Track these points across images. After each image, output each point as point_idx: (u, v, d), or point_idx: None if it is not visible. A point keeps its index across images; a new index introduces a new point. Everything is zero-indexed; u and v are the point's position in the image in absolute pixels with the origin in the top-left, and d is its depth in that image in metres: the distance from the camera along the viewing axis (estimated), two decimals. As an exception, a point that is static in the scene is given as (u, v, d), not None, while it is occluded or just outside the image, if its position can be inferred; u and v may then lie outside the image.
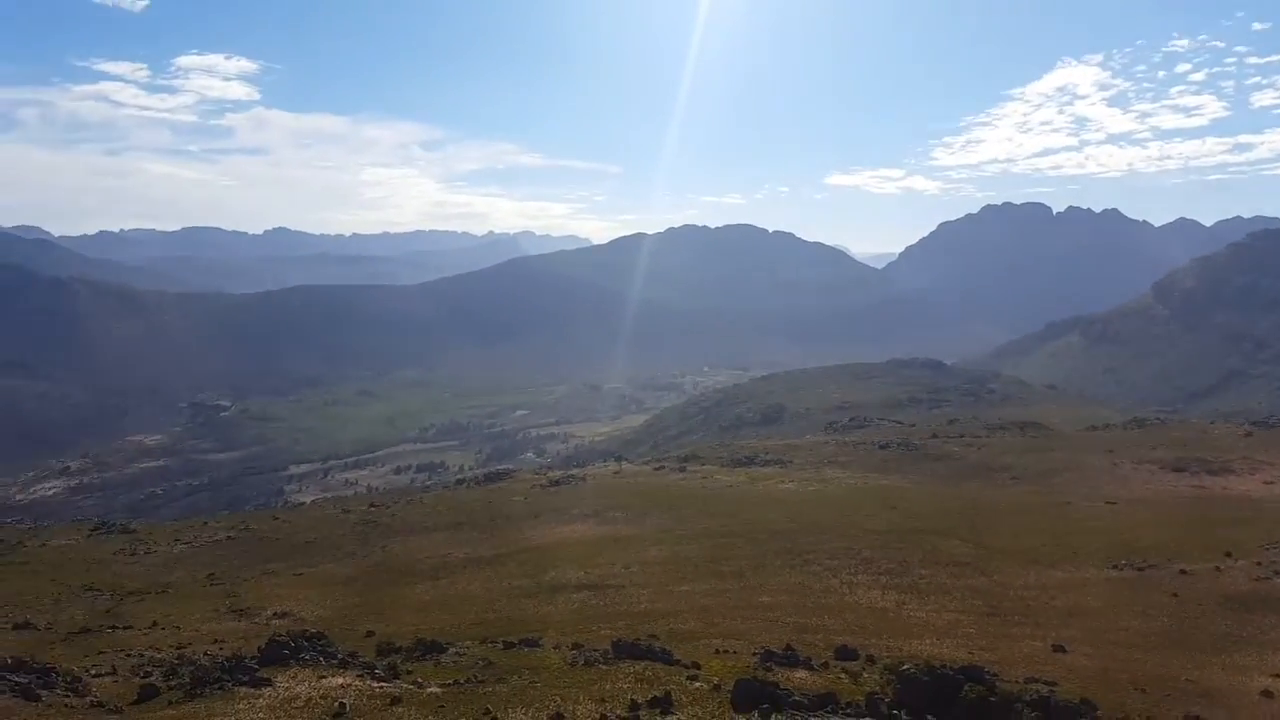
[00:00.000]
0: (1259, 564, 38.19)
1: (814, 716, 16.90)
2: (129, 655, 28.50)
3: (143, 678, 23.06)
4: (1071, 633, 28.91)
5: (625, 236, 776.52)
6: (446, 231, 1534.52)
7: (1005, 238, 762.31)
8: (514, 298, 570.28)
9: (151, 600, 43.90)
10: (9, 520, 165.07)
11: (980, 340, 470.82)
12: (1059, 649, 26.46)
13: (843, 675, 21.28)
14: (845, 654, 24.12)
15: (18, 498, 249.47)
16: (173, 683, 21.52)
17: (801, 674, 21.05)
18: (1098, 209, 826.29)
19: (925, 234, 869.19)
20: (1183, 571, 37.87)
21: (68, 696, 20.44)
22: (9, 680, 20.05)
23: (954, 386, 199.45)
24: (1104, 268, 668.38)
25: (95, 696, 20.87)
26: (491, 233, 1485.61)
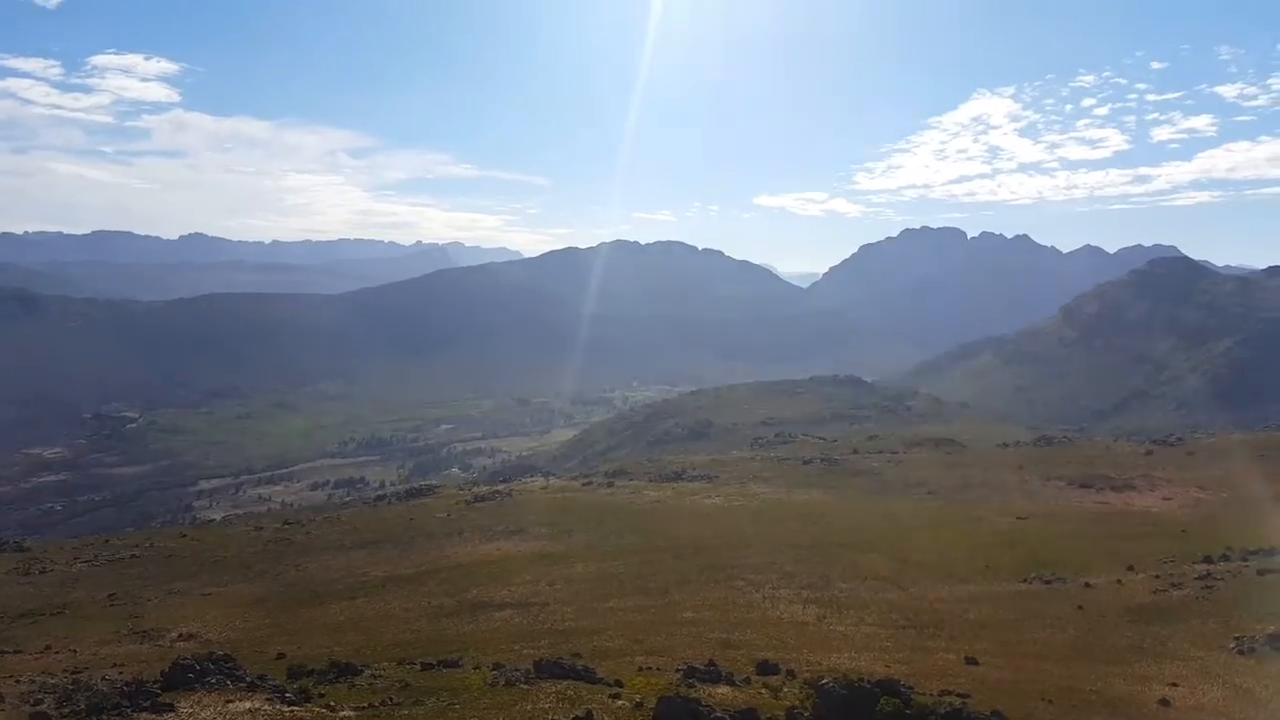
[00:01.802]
0: (1158, 577, 40.00)
1: (735, 733, 16.98)
2: (19, 681, 26.84)
3: (33, 705, 21.80)
4: (984, 645, 29.74)
5: (556, 250, 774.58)
6: (373, 240, 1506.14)
7: (922, 260, 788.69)
8: (441, 309, 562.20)
9: (46, 622, 41.60)
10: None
11: (899, 358, 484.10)
12: (971, 661, 27.17)
13: (764, 690, 21.44)
14: (767, 669, 24.34)
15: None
16: (67, 710, 20.43)
17: (724, 690, 21.13)
18: (1009, 234, 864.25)
19: (847, 255, 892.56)
20: (1087, 585, 39.38)
21: (-52, 727, 19.17)
22: (-120, 712, 18.74)
23: (874, 403, 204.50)
24: (1015, 291, 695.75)
25: (-21, 727, 19.64)
26: (420, 243, 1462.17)
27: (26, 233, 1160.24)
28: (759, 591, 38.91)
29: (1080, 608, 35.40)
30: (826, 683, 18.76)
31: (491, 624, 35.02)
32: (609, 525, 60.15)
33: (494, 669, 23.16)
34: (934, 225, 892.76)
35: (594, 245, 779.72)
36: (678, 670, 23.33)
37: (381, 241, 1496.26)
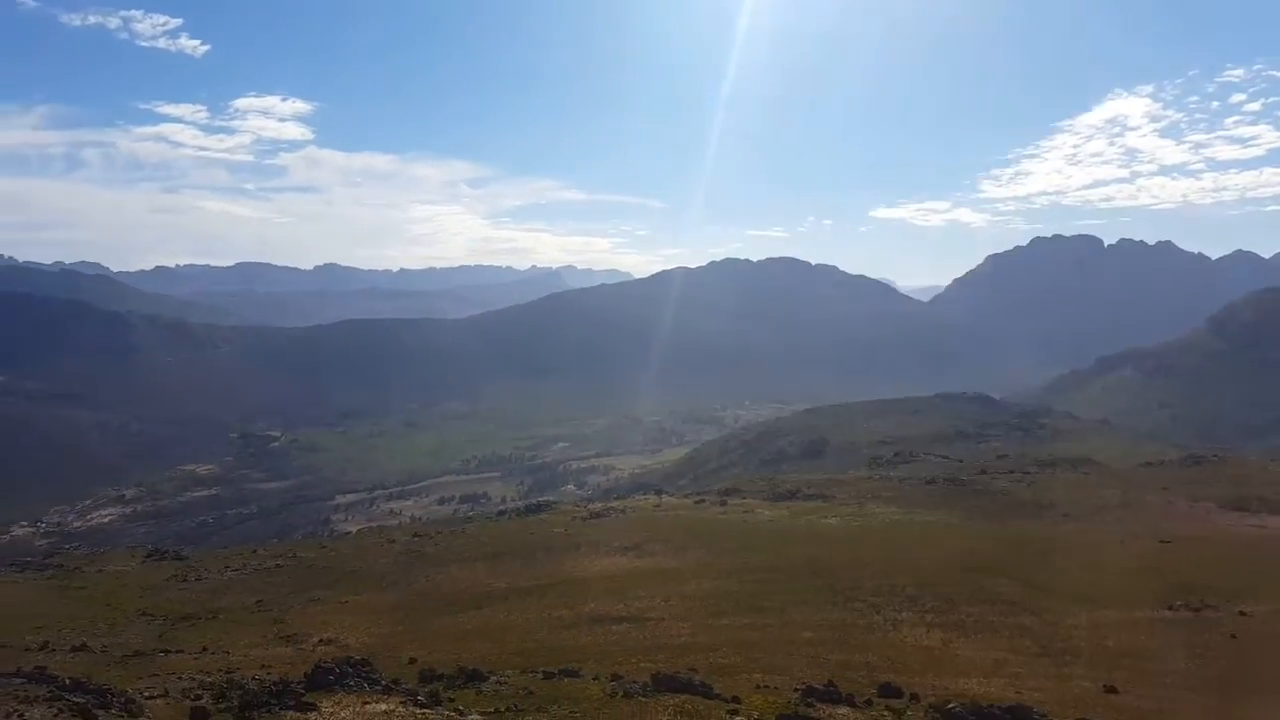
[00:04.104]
0: (1322, 606, 36.90)
1: (855, 753, 16.79)
2: (180, 678, 29.13)
3: (193, 700, 23.54)
4: (1123, 674, 28.19)
5: (666, 270, 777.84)
6: (491, 266, 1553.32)
7: (1055, 270, 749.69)
8: (556, 331, 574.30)
9: (202, 625, 44.78)
10: (68, 547, 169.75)
11: (1030, 375, 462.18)
12: (1110, 690, 25.85)
13: (886, 713, 21.02)
14: (889, 691, 23.79)
15: (76, 525, 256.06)
16: (222, 706, 21.94)
17: (844, 711, 20.85)
18: (1151, 241, 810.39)
19: (973, 267, 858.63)
20: (1242, 613, 36.70)
21: (123, 717, 21.04)
22: (68, 700, 20.71)
23: (1003, 421, 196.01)
24: (1158, 301, 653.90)
25: (149, 717, 21.48)
26: (534, 267, 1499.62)
27: (178, 266, 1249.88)
28: (879, 614, 38.02)
29: (1234, 637, 33.08)
30: (953, 707, 18.35)
31: (609, 637, 35.55)
32: (723, 543, 59.96)
33: (613, 680, 23.60)
34: (1067, 233, 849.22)
35: (704, 264, 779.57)
36: (796, 690, 23.12)
37: (499, 267, 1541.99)
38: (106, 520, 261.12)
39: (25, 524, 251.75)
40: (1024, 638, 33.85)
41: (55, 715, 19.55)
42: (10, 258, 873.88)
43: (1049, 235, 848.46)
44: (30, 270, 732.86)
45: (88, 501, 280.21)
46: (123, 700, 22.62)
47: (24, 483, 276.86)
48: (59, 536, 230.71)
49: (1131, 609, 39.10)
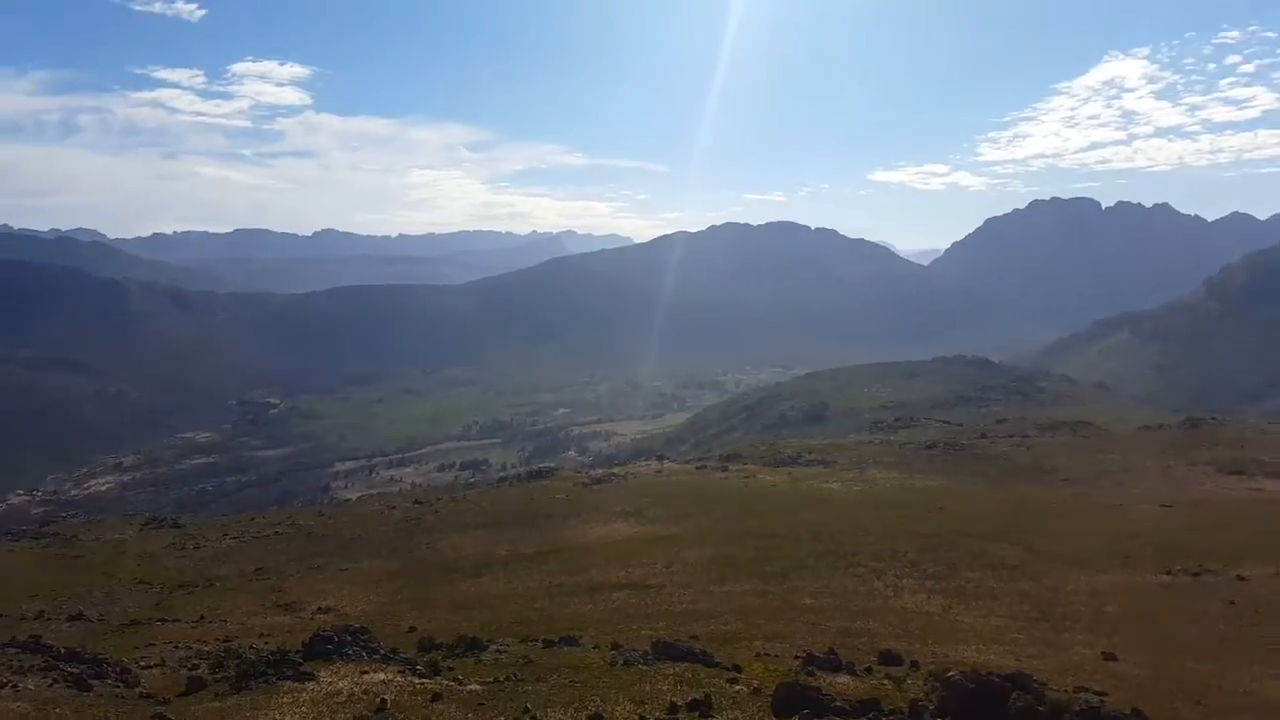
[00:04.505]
0: (1323, 570, 36.87)
1: (857, 723, 16.64)
2: (177, 648, 29.08)
3: (190, 670, 23.53)
4: (1122, 640, 28.14)
5: (667, 235, 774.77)
6: (490, 232, 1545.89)
7: (1053, 233, 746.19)
8: (556, 296, 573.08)
9: (200, 594, 44.80)
10: (65, 515, 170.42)
11: (1028, 338, 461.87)
12: (1109, 657, 25.77)
13: (886, 681, 20.90)
14: (889, 659, 23.71)
15: (73, 493, 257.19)
16: (219, 675, 21.87)
17: (844, 679, 20.73)
18: (1148, 204, 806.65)
19: (971, 230, 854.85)
20: (1240, 578, 36.69)
21: (118, 687, 20.96)
22: (63, 670, 20.65)
23: (1002, 385, 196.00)
24: (1154, 263, 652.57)
25: (144, 687, 21.35)
26: (535, 232, 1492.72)
27: (175, 232, 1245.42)
28: (880, 580, 38.03)
29: (1232, 603, 33.03)
30: (953, 675, 18.12)
31: (610, 604, 35.55)
32: (724, 509, 60.04)
33: (613, 649, 23.49)
34: (1065, 196, 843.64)
35: (704, 228, 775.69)
36: (797, 658, 23.04)
37: (499, 232, 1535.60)
38: (104, 488, 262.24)
39: (21, 492, 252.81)
40: (1023, 603, 33.84)
41: (50, 685, 19.47)
42: (6, 225, 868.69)
43: (1046, 198, 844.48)
44: (26, 237, 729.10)
45: (84, 469, 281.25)
46: (118, 670, 22.58)
47: (20, 450, 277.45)
48: (55, 504, 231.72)
49: (1131, 574, 39.13)
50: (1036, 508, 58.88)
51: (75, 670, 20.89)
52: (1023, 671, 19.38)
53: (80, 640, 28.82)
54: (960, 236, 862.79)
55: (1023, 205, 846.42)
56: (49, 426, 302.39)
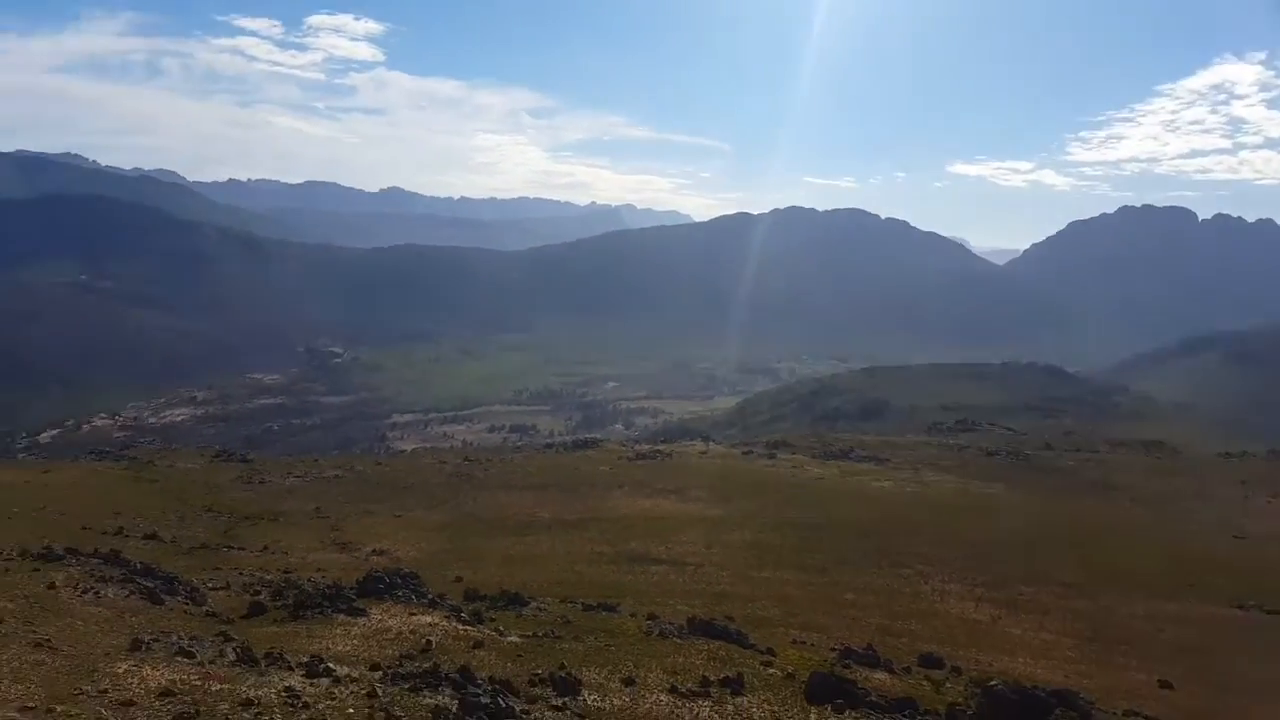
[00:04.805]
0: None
1: (890, 720, 16.50)
2: (241, 573, 30.23)
3: (253, 595, 24.57)
4: (1180, 670, 27.17)
5: (728, 215, 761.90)
6: (550, 200, 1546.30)
7: (1143, 242, 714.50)
8: (613, 270, 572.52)
9: (264, 526, 46.47)
10: (143, 441, 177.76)
11: (1107, 350, 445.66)
12: (1165, 684, 25.01)
13: (925, 683, 20.66)
14: (930, 661, 23.39)
15: (150, 421, 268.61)
16: (278, 603, 22.86)
17: (881, 676, 20.54)
18: (1250, 218, 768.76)
19: (1053, 232, 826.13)
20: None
21: (186, 604, 22.11)
22: (139, 583, 21.86)
23: (1074, 396, 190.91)
24: (1254, 282, 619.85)
25: (210, 606, 22.49)
26: (594, 203, 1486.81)
27: (250, 180, 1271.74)
28: (927, 583, 37.41)
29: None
30: (995, 684, 17.81)
31: (648, 577, 35.73)
32: (768, 496, 59.68)
33: (649, 619, 23.67)
34: (1158, 204, 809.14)
35: (767, 211, 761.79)
36: (834, 649, 22.91)
37: (558, 201, 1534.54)
38: (179, 419, 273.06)
39: (104, 416, 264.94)
40: (1077, 621, 32.99)
41: (127, 596, 20.68)
42: (94, 161, 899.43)
43: (1138, 204, 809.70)
44: (111, 175, 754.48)
45: (161, 400, 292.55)
46: (188, 588, 23.79)
47: (103, 377, 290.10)
48: (135, 430, 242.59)
49: (1196, 604, 37.67)
50: (1099, 526, 57.14)
51: (150, 584, 22.14)
52: (1070, 688, 18.98)
53: (154, 558, 30.23)
54: (1040, 238, 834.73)
55: (1111, 210, 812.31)
56: (129, 356, 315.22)
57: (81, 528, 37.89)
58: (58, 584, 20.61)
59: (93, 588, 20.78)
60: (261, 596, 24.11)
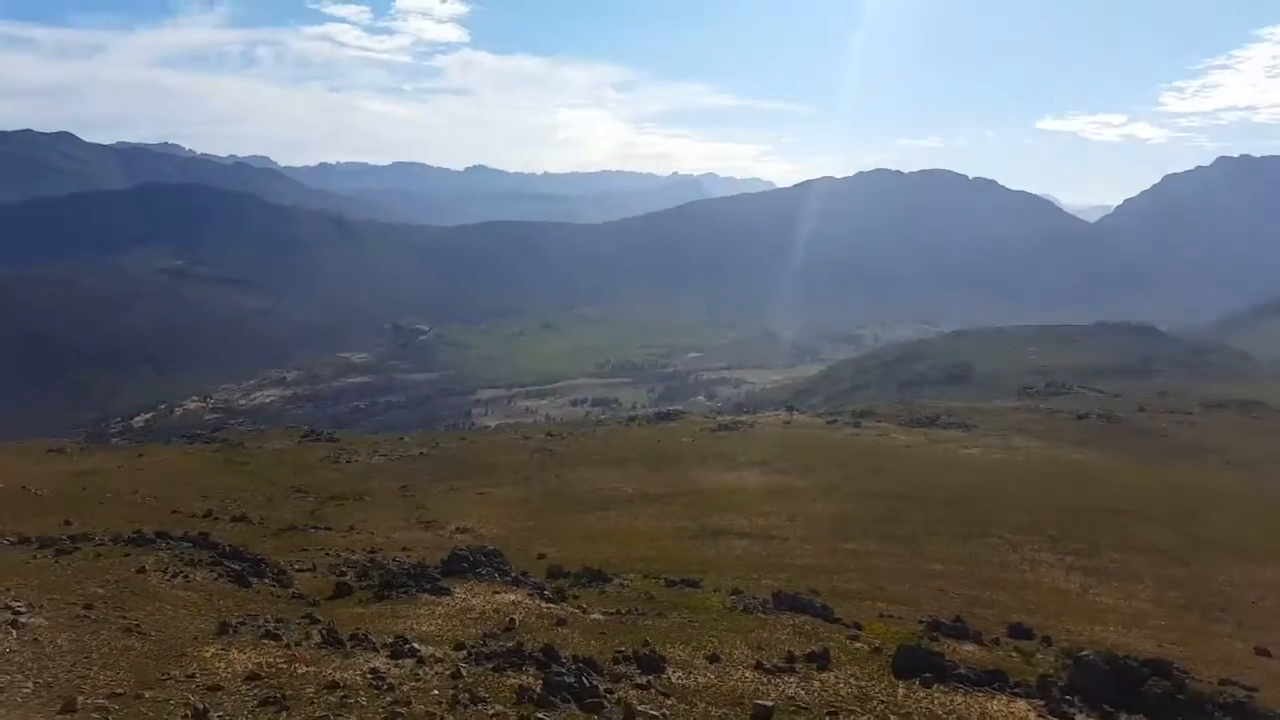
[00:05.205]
0: None
1: (980, 692, 16.23)
2: (328, 554, 31.38)
3: (338, 575, 25.26)
4: (1279, 637, 26.10)
5: (811, 180, 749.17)
6: (633, 172, 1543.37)
7: (1242, 195, 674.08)
8: (694, 239, 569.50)
9: (350, 506, 47.86)
10: (233, 423, 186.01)
11: (1203, 308, 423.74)
12: (1263, 652, 24.04)
13: (1014, 654, 20.27)
14: (1019, 632, 22.95)
15: (241, 403, 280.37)
16: (364, 583, 23.49)
17: (970, 648, 20.22)
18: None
19: (1148, 187, 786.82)
20: None
21: (274, 586, 22.81)
22: (227, 566, 22.73)
23: (1168, 356, 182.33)
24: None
25: (297, 588, 23.21)
26: (676, 174, 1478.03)
27: (340, 163, 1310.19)
28: (1016, 552, 36.58)
29: None
30: (1087, 654, 17.38)
31: (732, 551, 35.82)
32: (853, 467, 58.94)
33: (733, 594, 23.74)
34: (1256, 154, 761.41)
35: (851, 174, 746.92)
36: (920, 622, 22.62)
37: (641, 173, 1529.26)
38: (268, 400, 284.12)
39: (196, 399, 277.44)
40: (1171, 589, 31.89)
41: (215, 579, 21.45)
42: (190, 150, 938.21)
43: (1236, 155, 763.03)
44: (206, 163, 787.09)
45: (252, 381, 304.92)
46: (275, 571, 24.59)
47: (196, 361, 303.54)
48: (225, 413, 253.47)
49: (1297, 569, 36.04)
50: (1195, 490, 54.85)
51: (238, 567, 22.89)
52: (1163, 658, 18.38)
53: (242, 540, 31.50)
54: (1134, 193, 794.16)
55: (1208, 162, 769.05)
56: (222, 339, 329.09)
57: (172, 511, 39.71)
58: (147, 568, 21.20)
59: (181, 571, 21.43)
60: (347, 577, 24.65)
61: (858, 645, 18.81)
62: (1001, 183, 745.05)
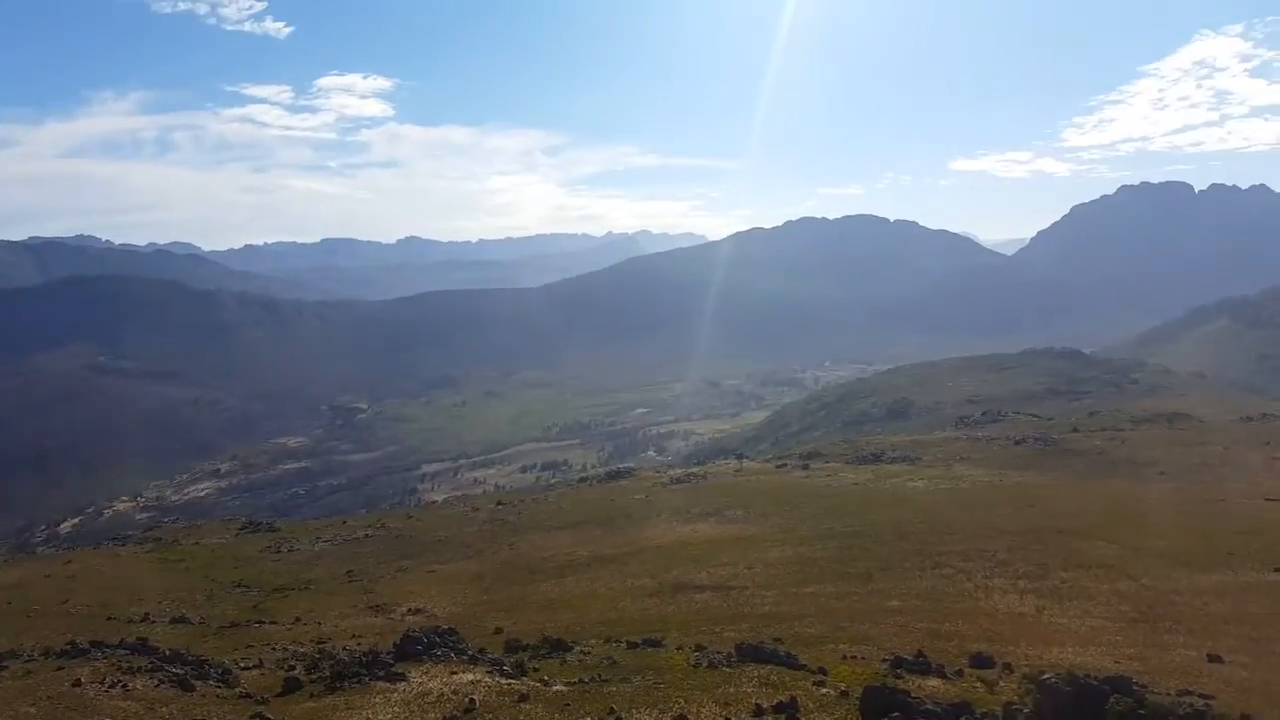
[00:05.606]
0: None
1: (947, 727, 16.26)
2: (274, 649, 30.17)
3: (287, 670, 24.33)
4: (1229, 642, 26.70)
5: (742, 232, 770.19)
6: (567, 234, 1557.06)
7: (1144, 219, 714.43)
8: (632, 296, 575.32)
9: (295, 596, 46.33)
10: (166, 520, 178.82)
11: (1121, 328, 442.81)
12: (1215, 659, 24.52)
13: (978, 684, 20.40)
14: (980, 662, 23.10)
15: (174, 499, 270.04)
16: (314, 676, 22.65)
17: (934, 682, 20.29)
18: (1244, 185, 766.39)
19: (1058, 218, 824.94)
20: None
21: (219, 687, 21.85)
22: (168, 671, 21.68)
23: (1094, 377, 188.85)
24: (1254, 247, 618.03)
25: (244, 688, 22.24)
26: (610, 233, 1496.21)
27: (266, 244, 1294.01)
28: (970, 580, 36.93)
29: (1353, 605, 31.06)
30: (1049, 678, 17.54)
31: (692, 605, 35.44)
32: (805, 509, 59.20)
33: (696, 650, 23.49)
34: (1155, 180, 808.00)
35: (780, 224, 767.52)
36: (884, 660, 22.64)
37: (575, 234, 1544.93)
38: (203, 494, 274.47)
39: (126, 499, 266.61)
40: (1121, 603, 32.46)
41: (156, 686, 20.44)
42: (108, 241, 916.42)
43: (1136, 183, 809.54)
44: (126, 253, 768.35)
45: (184, 476, 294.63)
46: (219, 671, 23.54)
47: (124, 459, 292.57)
48: (158, 510, 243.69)
49: (1236, 573, 37.06)
50: (1133, 504, 56.40)
51: (179, 671, 21.91)
52: (1122, 674, 18.64)
53: (183, 642, 30.18)
54: (1046, 225, 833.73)
55: (1111, 191, 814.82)
56: (151, 435, 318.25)
57: (107, 618, 37.98)
58: (83, 680, 20.30)
59: (120, 681, 20.54)
60: (296, 671, 23.85)
61: (824, 691, 18.73)
62: (922, 223, 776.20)
